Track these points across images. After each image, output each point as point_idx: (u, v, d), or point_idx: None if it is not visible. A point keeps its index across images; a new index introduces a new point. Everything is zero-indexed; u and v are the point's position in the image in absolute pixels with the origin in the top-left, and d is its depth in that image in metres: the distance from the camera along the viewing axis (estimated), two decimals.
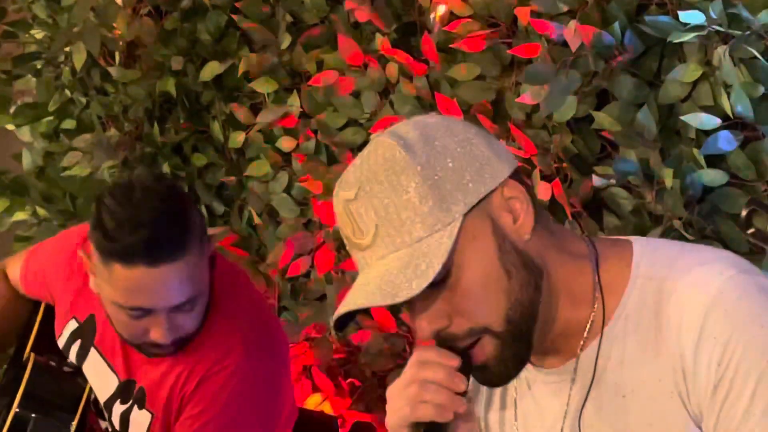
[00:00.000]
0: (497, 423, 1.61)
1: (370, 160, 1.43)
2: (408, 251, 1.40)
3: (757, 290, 1.42)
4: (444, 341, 1.44)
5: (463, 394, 1.44)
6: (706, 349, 1.40)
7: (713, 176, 2.48)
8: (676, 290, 1.43)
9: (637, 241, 1.52)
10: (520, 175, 1.48)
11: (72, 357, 2.39)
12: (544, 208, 1.54)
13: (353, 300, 1.42)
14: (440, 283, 1.41)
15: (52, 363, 2.41)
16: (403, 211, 1.40)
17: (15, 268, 2.54)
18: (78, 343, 2.39)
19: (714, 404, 1.41)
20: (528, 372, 1.55)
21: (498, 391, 1.61)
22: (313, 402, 3.08)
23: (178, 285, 2.13)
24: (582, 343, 1.49)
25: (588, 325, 1.48)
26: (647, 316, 1.45)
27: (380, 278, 1.40)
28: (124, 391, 2.33)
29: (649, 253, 1.49)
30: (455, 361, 1.44)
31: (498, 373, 1.47)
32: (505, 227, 1.44)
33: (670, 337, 1.43)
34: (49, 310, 2.48)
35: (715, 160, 2.51)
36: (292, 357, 3.12)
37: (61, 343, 2.42)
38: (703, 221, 2.54)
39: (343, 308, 1.43)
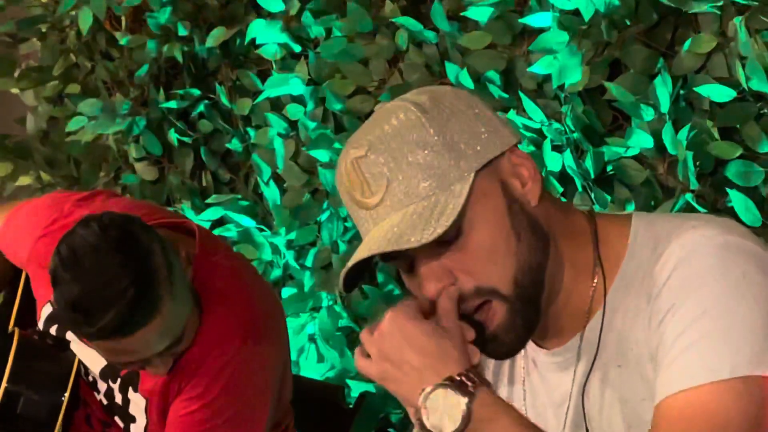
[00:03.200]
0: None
1: (382, 121, 1.43)
2: (420, 205, 1.40)
3: (734, 250, 1.42)
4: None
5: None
6: (665, 297, 1.42)
7: (726, 149, 2.46)
8: (665, 252, 1.44)
9: (636, 214, 1.53)
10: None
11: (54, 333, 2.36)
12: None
13: (361, 253, 1.41)
14: (448, 242, 1.40)
15: (37, 338, 2.36)
16: (415, 167, 1.40)
17: None
18: (54, 327, 2.35)
19: (659, 342, 1.41)
20: (534, 351, 1.55)
21: (506, 369, 1.60)
22: (319, 372, 3.07)
23: (158, 337, 2.07)
24: (586, 318, 1.49)
25: (590, 300, 1.48)
26: (641, 281, 1.46)
27: (389, 230, 1.39)
28: (115, 369, 2.30)
29: (646, 224, 1.49)
30: (471, 333, 1.42)
31: (508, 343, 1.46)
32: (515, 190, 1.44)
33: (646, 295, 1.44)
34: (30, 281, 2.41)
35: (728, 132, 2.49)
36: (298, 327, 3.10)
37: (40, 325, 2.37)
38: (716, 194, 2.52)
39: (351, 261, 1.41)
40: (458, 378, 1.36)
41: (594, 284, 1.48)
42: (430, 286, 1.42)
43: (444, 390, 1.35)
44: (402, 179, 1.41)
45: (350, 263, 1.42)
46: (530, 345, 1.54)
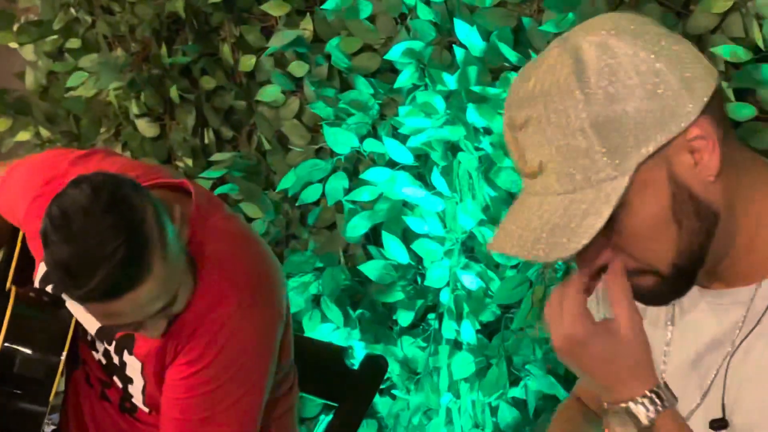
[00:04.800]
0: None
1: (545, 82, 1.33)
2: (569, 198, 1.33)
3: None
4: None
5: None
6: None
7: (742, 110, 2.43)
8: None
9: None
10: (717, 98, 1.35)
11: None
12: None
13: (508, 243, 1.35)
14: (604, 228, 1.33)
15: (33, 295, 2.32)
16: (570, 155, 1.32)
17: None
18: (50, 287, 2.32)
19: None
20: (692, 292, 1.45)
21: (651, 311, 1.51)
22: (323, 332, 3.05)
23: (150, 300, 2.02)
24: (756, 283, 1.41)
25: (764, 271, 1.40)
26: None
27: (540, 228, 1.33)
28: (110, 331, 2.26)
29: None
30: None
31: (651, 299, 1.41)
32: (684, 172, 1.33)
33: None
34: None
35: (744, 94, 2.46)
36: (301, 287, 3.08)
37: (37, 283, 2.34)
38: None
39: (496, 246, 1.37)
40: (649, 395, 1.35)
41: None
42: (584, 259, 1.37)
43: (634, 405, 1.35)
44: (555, 165, 1.33)
45: (496, 248, 1.37)
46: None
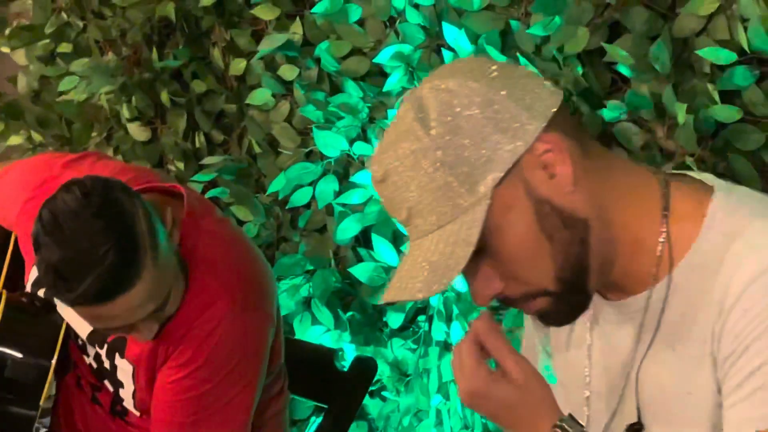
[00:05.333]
0: (565, 363, 1.59)
1: (393, 133, 1.40)
2: (438, 235, 1.38)
3: None
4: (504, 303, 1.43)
5: None
6: (733, 318, 1.37)
7: (727, 112, 2.43)
8: (740, 253, 1.38)
9: (718, 188, 1.45)
10: (564, 114, 1.40)
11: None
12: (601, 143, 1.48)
13: (396, 293, 1.40)
14: (481, 251, 1.37)
15: (24, 299, 2.33)
16: (431, 195, 1.37)
17: None
18: (42, 290, 2.33)
19: (723, 374, 1.39)
20: (595, 305, 1.51)
21: (564, 333, 1.58)
22: (313, 335, 3.06)
23: (141, 304, 2.03)
24: (649, 285, 1.45)
25: (657, 267, 1.44)
26: (711, 273, 1.40)
27: (420, 268, 1.37)
28: (101, 335, 2.27)
29: (728, 207, 1.42)
30: None
31: (556, 320, 1.46)
32: (541, 187, 1.38)
33: (716, 298, 1.39)
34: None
35: (729, 96, 2.46)
36: (292, 289, 3.08)
37: (28, 287, 2.35)
38: (716, 158, 2.49)
39: (387, 297, 1.42)
40: (555, 430, 1.40)
41: (658, 256, 1.43)
42: (479, 294, 1.42)
43: None
44: (418, 210, 1.38)
45: (387, 299, 1.42)
46: (596, 297, 1.51)
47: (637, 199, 1.43)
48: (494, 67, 1.40)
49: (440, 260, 1.36)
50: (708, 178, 1.48)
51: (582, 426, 1.41)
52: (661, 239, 1.42)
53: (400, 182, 1.38)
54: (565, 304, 1.43)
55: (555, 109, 1.38)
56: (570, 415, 1.41)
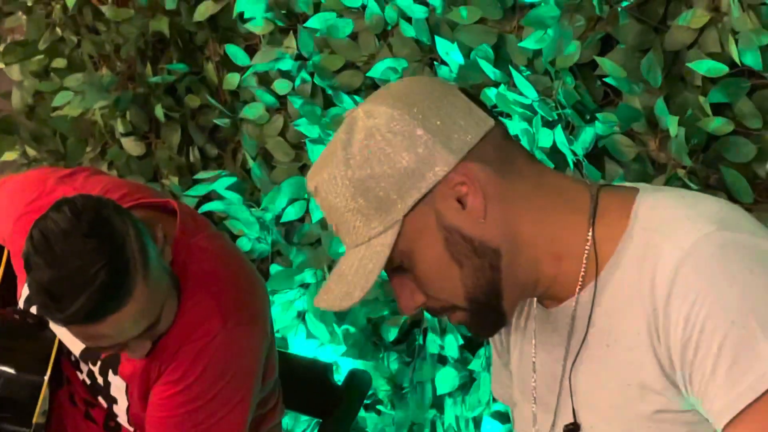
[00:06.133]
0: (519, 381, 1.64)
1: (326, 152, 1.48)
2: (357, 252, 1.47)
3: (733, 248, 1.40)
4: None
5: None
6: (675, 307, 1.40)
7: (719, 124, 2.44)
8: (658, 244, 1.43)
9: (644, 190, 1.51)
10: (488, 144, 1.46)
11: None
12: (532, 161, 1.53)
13: (324, 299, 1.50)
14: (399, 269, 1.47)
15: (17, 316, 2.32)
16: (348, 215, 1.46)
17: None
18: (34, 308, 2.33)
19: (685, 363, 1.41)
20: (538, 318, 1.58)
21: (519, 330, 1.65)
22: (308, 349, 3.06)
23: (133, 322, 2.03)
24: (577, 290, 1.50)
25: (583, 275, 1.49)
26: (635, 267, 1.45)
27: (338, 281, 1.48)
28: (94, 352, 2.27)
29: (649, 204, 1.48)
30: None
31: (475, 330, 1.54)
32: (452, 216, 1.45)
33: (645, 291, 1.43)
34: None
35: (720, 108, 2.47)
36: (286, 303, 3.09)
37: (21, 304, 2.35)
38: (708, 170, 2.50)
39: (317, 302, 1.51)
40: None
41: (585, 261, 1.48)
42: (403, 305, 1.51)
43: None
44: (341, 225, 1.48)
45: (316, 305, 1.51)
46: (538, 310, 1.58)
47: (563, 214, 1.48)
48: (427, 95, 1.47)
49: (353, 277, 1.46)
50: (640, 185, 1.54)
51: None
52: (587, 246, 1.48)
53: (325, 200, 1.48)
54: (481, 319, 1.50)
55: (478, 139, 1.45)
56: None
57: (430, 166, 1.43)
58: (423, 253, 1.46)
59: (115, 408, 2.30)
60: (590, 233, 1.47)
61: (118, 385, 2.26)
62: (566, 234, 1.48)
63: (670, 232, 1.43)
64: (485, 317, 1.50)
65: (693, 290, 1.39)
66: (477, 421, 2.89)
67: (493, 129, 1.47)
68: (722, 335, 1.37)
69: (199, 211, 3.16)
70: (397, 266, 1.47)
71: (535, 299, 1.59)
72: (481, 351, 2.88)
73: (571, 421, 1.53)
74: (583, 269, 1.48)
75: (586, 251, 1.48)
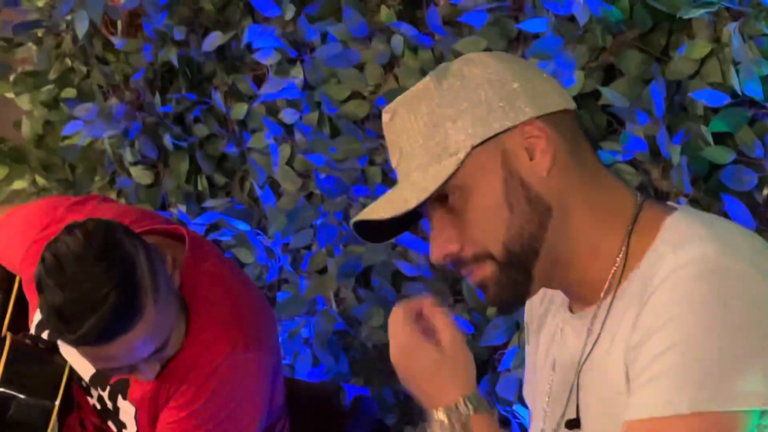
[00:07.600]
0: (542, 359, 1.68)
1: (411, 91, 1.55)
2: (419, 174, 1.50)
3: (723, 276, 1.42)
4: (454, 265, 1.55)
5: None
6: (645, 312, 1.45)
7: (720, 154, 2.46)
8: (664, 255, 1.47)
9: (682, 210, 1.55)
10: (568, 119, 1.53)
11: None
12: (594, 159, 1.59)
13: (365, 212, 1.54)
14: (447, 205, 1.51)
15: (28, 342, 2.36)
16: (419, 138, 1.51)
17: None
18: (46, 333, 2.35)
19: (629, 361, 1.46)
20: (563, 315, 1.62)
21: (545, 329, 1.68)
22: (314, 375, 3.07)
23: (142, 344, 2.07)
24: (602, 295, 1.53)
25: (609, 278, 1.52)
26: (647, 277, 1.48)
27: (386, 198, 1.53)
28: (104, 377, 2.29)
29: (678, 222, 1.51)
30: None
31: (495, 294, 1.54)
32: (518, 164, 1.50)
33: (640, 299, 1.47)
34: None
35: (722, 138, 2.49)
36: (293, 330, 3.10)
37: (32, 329, 2.37)
38: (710, 198, 2.52)
39: (358, 217, 1.54)
40: (463, 401, 1.49)
41: (615, 266, 1.52)
42: (434, 252, 1.54)
43: (448, 412, 1.49)
44: (409, 149, 1.52)
45: (357, 218, 1.54)
46: (564, 313, 1.62)
47: (606, 213, 1.53)
48: (524, 64, 1.59)
49: (408, 194, 1.50)
50: (682, 206, 1.58)
51: (492, 406, 1.48)
52: (621, 253, 1.51)
53: (399, 124, 1.53)
54: (506, 277, 1.52)
55: (559, 108, 1.52)
56: (481, 395, 1.52)
57: (511, 110, 1.50)
58: (479, 189, 1.50)
59: None
60: (626, 241, 1.51)
61: (127, 410, 2.28)
62: (607, 234, 1.52)
63: (680, 247, 1.46)
64: (513, 277, 1.53)
65: (663, 303, 1.43)
66: None
67: (573, 111, 1.55)
68: (660, 350, 1.41)
69: (208, 238, 3.19)
70: (443, 204, 1.51)
71: (566, 304, 1.62)
72: (486, 377, 2.89)
73: (574, 416, 1.56)
74: (611, 275, 1.52)
75: (619, 256, 1.51)
